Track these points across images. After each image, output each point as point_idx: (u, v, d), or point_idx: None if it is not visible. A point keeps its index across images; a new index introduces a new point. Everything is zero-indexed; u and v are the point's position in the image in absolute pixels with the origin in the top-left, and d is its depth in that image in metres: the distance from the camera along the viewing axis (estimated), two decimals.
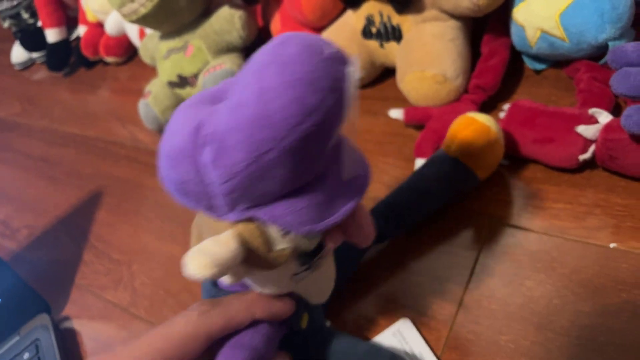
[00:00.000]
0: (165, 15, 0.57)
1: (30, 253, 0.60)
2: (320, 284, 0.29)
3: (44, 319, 0.48)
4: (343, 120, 0.20)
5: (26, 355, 0.45)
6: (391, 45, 0.50)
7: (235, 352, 0.26)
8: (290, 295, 0.28)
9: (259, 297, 0.27)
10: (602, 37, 0.38)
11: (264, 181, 0.20)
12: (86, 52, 0.85)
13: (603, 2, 0.37)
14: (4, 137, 0.85)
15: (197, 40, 0.60)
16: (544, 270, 0.34)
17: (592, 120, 0.36)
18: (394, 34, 0.49)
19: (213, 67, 0.58)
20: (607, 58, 0.34)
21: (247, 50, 0.62)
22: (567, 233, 0.36)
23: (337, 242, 0.24)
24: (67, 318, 0.50)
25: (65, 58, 0.89)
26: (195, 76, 0.61)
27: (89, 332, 0.48)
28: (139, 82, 0.75)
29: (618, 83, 0.32)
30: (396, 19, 0.49)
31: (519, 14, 0.43)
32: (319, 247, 0.24)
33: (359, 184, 0.23)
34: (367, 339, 0.36)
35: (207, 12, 0.61)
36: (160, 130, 0.64)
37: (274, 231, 0.22)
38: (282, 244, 0.23)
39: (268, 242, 0.22)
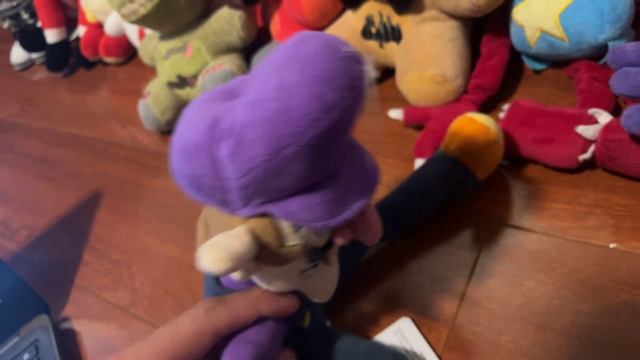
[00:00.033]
0: (164, 16, 0.57)
1: (29, 253, 0.60)
2: (325, 282, 0.29)
3: (43, 319, 0.48)
4: (358, 118, 0.21)
5: (26, 356, 0.45)
6: (391, 46, 0.50)
7: (241, 348, 0.27)
8: (294, 293, 0.28)
9: (264, 294, 0.27)
10: (601, 37, 0.38)
11: (281, 176, 0.20)
12: (86, 53, 0.85)
13: (602, 2, 0.37)
14: (4, 138, 0.85)
15: (196, 41, 0.60)
16: (544, 271, 0.34)
17: (592, 121, 0.36)
18: (394, 34, 0.49)
19: (212, 68, 0.58)
20: (607, 58, 0.34)
21: (246, 50, 0.62)
22: (567, 233, 0.36)
23: (346, 239, 0.25)
24: (66, 318, 0.50)
25: (65, 58, 0.89)
26: (195, 77, 0.61)
27: (89, 332, 0.48)
28: (139, 83, 0.75)
29: (618, 83, 0.32)
30: (396, 19, 0.49)
31: (519, 14, 0.43)
32: (328, 244, 0.25)
33: (370, 181, 0.23)
34: (368, 338, 0.36)
35: (206, 13, 0.61)
36: (159, 130, 0.64)
37: (286, 227, 0.22)
38: (293, 239, 0.23)
39: (280, 237, 0.23)
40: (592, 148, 0.36)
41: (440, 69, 0.44)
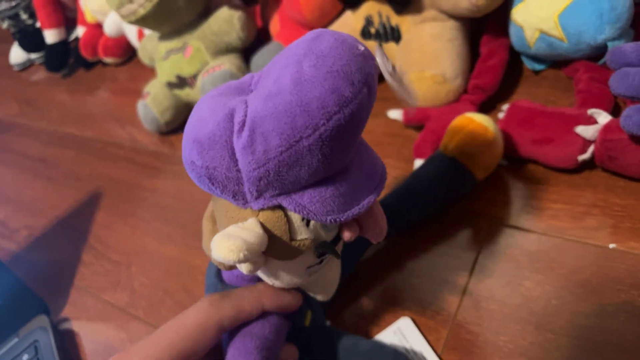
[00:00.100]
0: (164, 16, 0.57)
1: (29, 254, 0.60)
2: (328, 280, 0.30)
3: (42, 320, 0.48)
4: (370, 114, 0.21)
5: (25, 356, 0.45)
6: (390, 46, 0.50)
7: (247, 341, 0.27)
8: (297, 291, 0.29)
9: (269, 289, 0.28)
10: (601, 38, 0.38)
11: (296, 169, 0.20)
12: (85, 53, 0.85)
13: (602, 3, 0.37)
14: (3, 138, 0.85)
15: (196, 41, 0.60)
16: (543, 271, 0.34)
17: (591, 121, 0.36)
18: (393, 35, 0.49)
19: (212, 68, 0.58)
20: (606, 58, 0.34)
21: (246, 51, 0.62)
22: (565, 233, 0.36)
23: (353, 235, 0.25)
24: (66, 319, 0.50)
25: (64, 59, 0.89)
26: (194, 77, 0.61)
27: (88, 333, 0.48)
28: (138, 83, 0.75)
29: (617, 83, 0.32)
30: (395, 20, 0.49)
31: (518, 14, 0.43)
32: (336, 239, 0.25)
33: (378, 177, 0.24)
34: (368, 337, 0.36)
35: (206, 13, 0.61)
36: (159, 131, 0.64)
37: (297, 220, 0.22)
38: (303, 233, 0.23)
39: (291, 231, 0.23)
40: (591, 148, 0.36)
41: (440, 69, 0.44)
